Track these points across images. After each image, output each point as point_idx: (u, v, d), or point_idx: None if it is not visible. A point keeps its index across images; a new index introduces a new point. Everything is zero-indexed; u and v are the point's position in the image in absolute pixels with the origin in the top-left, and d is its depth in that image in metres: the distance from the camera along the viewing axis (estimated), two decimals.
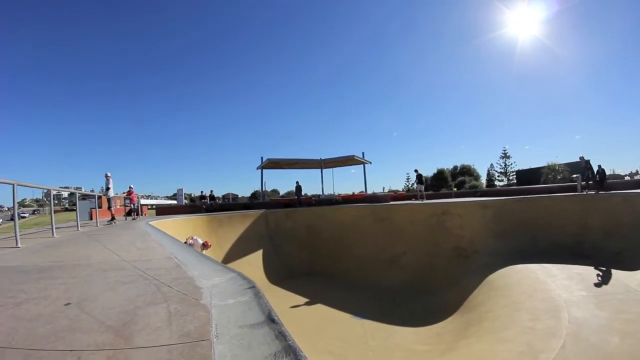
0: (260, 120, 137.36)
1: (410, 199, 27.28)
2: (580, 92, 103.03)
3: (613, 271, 10.95)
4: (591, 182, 18.18)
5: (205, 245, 12.70)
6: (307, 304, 14.03)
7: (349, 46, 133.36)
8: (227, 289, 3.02)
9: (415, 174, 23.36)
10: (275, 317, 2.13)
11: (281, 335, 1.85)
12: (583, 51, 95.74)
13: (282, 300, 14.26)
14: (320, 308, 13.58)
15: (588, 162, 18.64)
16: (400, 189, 69.27)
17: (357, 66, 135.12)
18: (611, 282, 10.14)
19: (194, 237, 12.99)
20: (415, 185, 23.68)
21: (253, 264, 18.18)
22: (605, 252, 12.77)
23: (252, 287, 2.94)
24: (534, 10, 69.41)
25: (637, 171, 51.70)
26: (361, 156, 29.33)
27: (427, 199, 23.37)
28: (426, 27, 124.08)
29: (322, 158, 29.71)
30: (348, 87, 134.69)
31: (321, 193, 30.28)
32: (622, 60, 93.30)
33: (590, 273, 11.06)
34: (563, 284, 10.32)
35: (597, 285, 9.98)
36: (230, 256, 17.97)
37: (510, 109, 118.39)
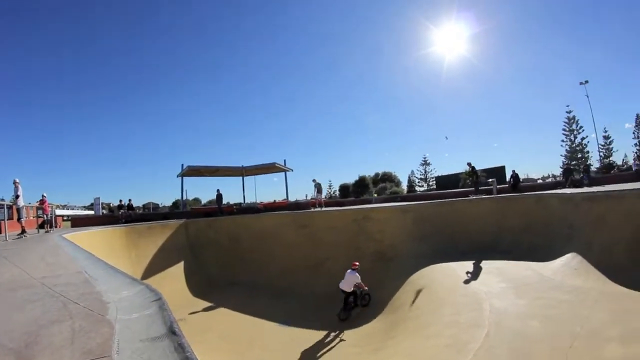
0: (181, 127, 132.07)
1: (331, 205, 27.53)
2: (497, 104, 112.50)
3: (529, 263, 11.49)
4: (477, 185, 20.47)
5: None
6: (233, 315, 13.54)
7: (276, 56, 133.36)
8: (133, 303, 3.02)
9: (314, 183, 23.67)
10: (177, 329, 2.12)
11: (180, 348, 1.86)
12: (502, 66, 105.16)
13: (207, 313, 13.69)
14: (246, 319, 13.14)
15: (473, 167, 20.81)
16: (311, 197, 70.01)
17: (274, 73, 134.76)
18: (528, 273, 10.59)
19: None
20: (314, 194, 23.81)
21: (175, 277, 17.28)
22: (521, 248, 13.42)
23: (158, 299, 2.92)
24: (459, 29, 76.25)
25: (549, 175, 56.82)
26: (283, 164, 29.14)
27: (348, 206, 23.70)
28: (361, 42, 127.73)
29: (244, 165, 29.24)
30: (273, 92, 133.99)
31: (243, 201, 29.78)
32: (535, 76, 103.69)
33: (508, 267, 11.53)
34: (482, 278, 10.69)
35: (515, 277, 10.37)
36: (151, 269, 16.98)
37: (433, 119, 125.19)
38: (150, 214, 29.23)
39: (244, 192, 30.29)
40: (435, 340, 7.54)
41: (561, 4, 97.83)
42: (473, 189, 20.47)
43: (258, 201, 30.71)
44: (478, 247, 14.38)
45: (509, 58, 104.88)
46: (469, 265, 12.15)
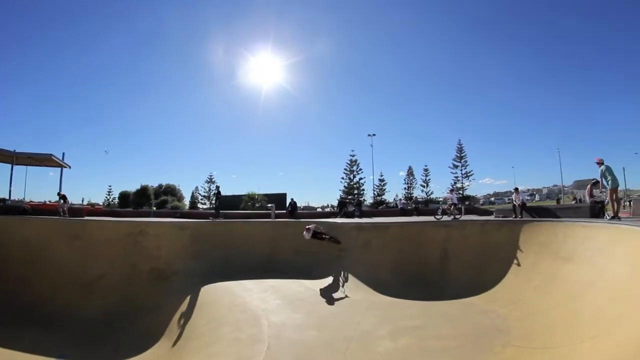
0: None
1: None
2: (296, 136, 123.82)
3: (302, 281, 12.63)
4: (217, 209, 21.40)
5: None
6: None
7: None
8: None
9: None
10: None
11: None
12: (308, 107, 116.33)
13: None
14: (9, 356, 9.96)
15: (217, 188, 22.69)
16: (100, 203, 61.99)
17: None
18: (302, 289, 11.62)
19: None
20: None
21: None
22: (296, 268, 14.56)
23: None
24: (275, 60, 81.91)
25: (329, 205, 64.45)
26: (61, 157, 24.07)
27: (125, 217, 21.41)
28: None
29: (17, 150, 22.67)
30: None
31: (8, 197, 23.07)
32: (337, 118, 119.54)
33: (283, 285, 12.36)
34: (259, 296, 11.12)
35: (290, 293, 11.19)
36: None
37: (235, 140, 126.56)
38: None
39: (10, 186, 23.13)
40: (219, 359, 7.39)
41: (359, 64, 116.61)
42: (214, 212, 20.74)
43: (27, 199, 24.37)
44: (255, 267, 14.83)
45: (314, 103, 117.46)
46: (245, 284, 12.46)
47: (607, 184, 12.12)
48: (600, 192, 13.80)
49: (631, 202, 22.79)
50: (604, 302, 6.47)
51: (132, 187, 60.64)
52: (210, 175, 68.42)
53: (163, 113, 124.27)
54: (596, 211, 14.06)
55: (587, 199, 16.17)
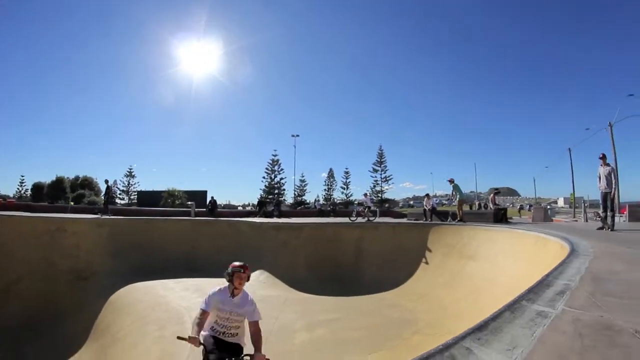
0: None
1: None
2: (222, 132, 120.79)
3: (223, 279, 12.94)
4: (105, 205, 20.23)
5: None
6: None
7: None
8: None
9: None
10: None
11: None
12: (233, 108, 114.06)
13: None
14: None
15: (107, 182, 21.69)
16: (11, 195, 55.93)
17: None
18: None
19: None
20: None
21: None
22: (215, 266, 14.71)
23: None
24: (205, 50, 79.48)
25: (250, 203, 64.20)
26: None
27: (40, 212, 19.87)
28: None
29: None
30: None
31: None
32: (262, 119, 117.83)
33: (204, 283, 12.62)
34: (181, 294, 11.39)
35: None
36: None
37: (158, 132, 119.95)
38: None
39: None
40: (146, 357, 7.70)
41: (288, 65, 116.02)
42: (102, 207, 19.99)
43: None
44: (175, 265, 14.99)
45: (240, 101, 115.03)
46: (167, 283, 12.62)
47: (458, 197, 16.04)
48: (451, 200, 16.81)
49: (531, 209, 26.11)
50: (502, 295, 7.68)
51: (46, 177, 55.75)
52: (130, 169, 65.32)
53: (79, 99, 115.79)
54: (499, 217, 16.24)
55: (491, 205, 18.39)
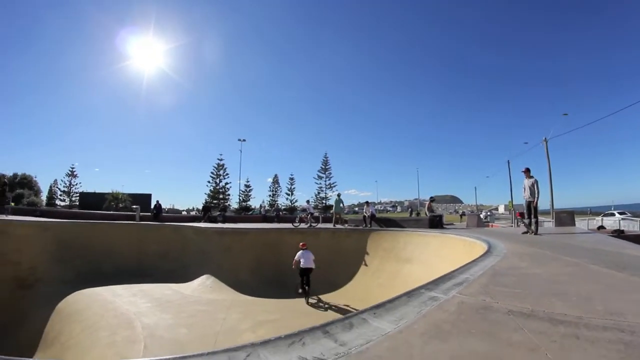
0: None
1: None
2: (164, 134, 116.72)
3: (170, 285, 13.61)
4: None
5: None
6: None
7: None
8: None
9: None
10: None
11: None
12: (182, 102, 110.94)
13: None
14: None
15: (4, 183, 20.10)
16: None
17: None
18: (169, 292, 12.64)
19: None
20: None
21: None
22: (161, 271, 15.32)
23: None
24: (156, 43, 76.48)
25: (194, 208, 63.08)
26: None
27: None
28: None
29: None
30: None
31: None
32: (208, 120, 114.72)
33: (151, 288, 13.17)
34: (130, 300, 11.75)
35: (159, 296, 12.08)
36: None
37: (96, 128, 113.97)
38: None
39: None
40: None
41: (236, 68, 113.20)
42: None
43: None
44: (122, 271, 15.23)
45: (187, 104, 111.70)
46: (115, 289, 12.90)
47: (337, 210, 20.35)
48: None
49: (464, 216, 28.08)
50: None
51: None
52: (72, 168, 61.80)
53: (17, 90, 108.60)
54: (434, 223, 17.70)
55: (427, 212, 19.88)
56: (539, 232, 11.47)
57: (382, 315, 2.56)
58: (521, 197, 12.14)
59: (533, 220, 11.44)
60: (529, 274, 4.35)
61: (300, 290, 12.34)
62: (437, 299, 2.98)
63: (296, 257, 12.32)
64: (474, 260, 5.40)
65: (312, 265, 12.30)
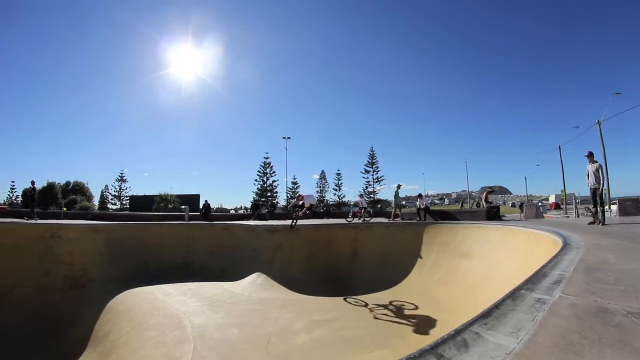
0: None
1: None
2: (212, 137, 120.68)
3: (220, 283, 13.16)
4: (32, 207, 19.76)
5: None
6: None
7: None
8: None
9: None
10: None
11: None
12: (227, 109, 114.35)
13: None
14: None
15: (33, 184, 20.29)
16: (2, 202, 55.05)
17: None
18: (220, 292, 12.13)
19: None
20: None
21: None
22: (211, 270, 15.00)
23: None
24: (194, 53, 79.33)
25: (242, 207, 63.96)
26: None
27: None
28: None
29: None
30: None
31: None
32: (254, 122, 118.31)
33: (201, 287, 12.74)
34: (179, 299, 11.37)
35: (209, 296, 11.63)
36: None
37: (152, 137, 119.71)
38: None
39: None
40: None
41: (280, 68, 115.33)
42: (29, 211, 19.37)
43: None
44: (172, 270, 14.99)
45: (231, 104, 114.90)
46: (165, 288, 12.61)
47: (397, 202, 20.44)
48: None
49: (523, 207, 26.48)
50: (496, 292, 7.86)
51: (37, 183, 55.13)
52: (122, 174, 64.57)
53: (70, 103, 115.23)
54: (492, 215, 16.52)
55: (484, 204, 18.65)
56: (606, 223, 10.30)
57: (496, 326, 2.18)
58: (580, 185, 10.88)
59: (600, 209, 10.33)
60: (624, 269, 3.93)
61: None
62: (545, 302, 2.66)
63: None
64: (558, 254, 4.84)
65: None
